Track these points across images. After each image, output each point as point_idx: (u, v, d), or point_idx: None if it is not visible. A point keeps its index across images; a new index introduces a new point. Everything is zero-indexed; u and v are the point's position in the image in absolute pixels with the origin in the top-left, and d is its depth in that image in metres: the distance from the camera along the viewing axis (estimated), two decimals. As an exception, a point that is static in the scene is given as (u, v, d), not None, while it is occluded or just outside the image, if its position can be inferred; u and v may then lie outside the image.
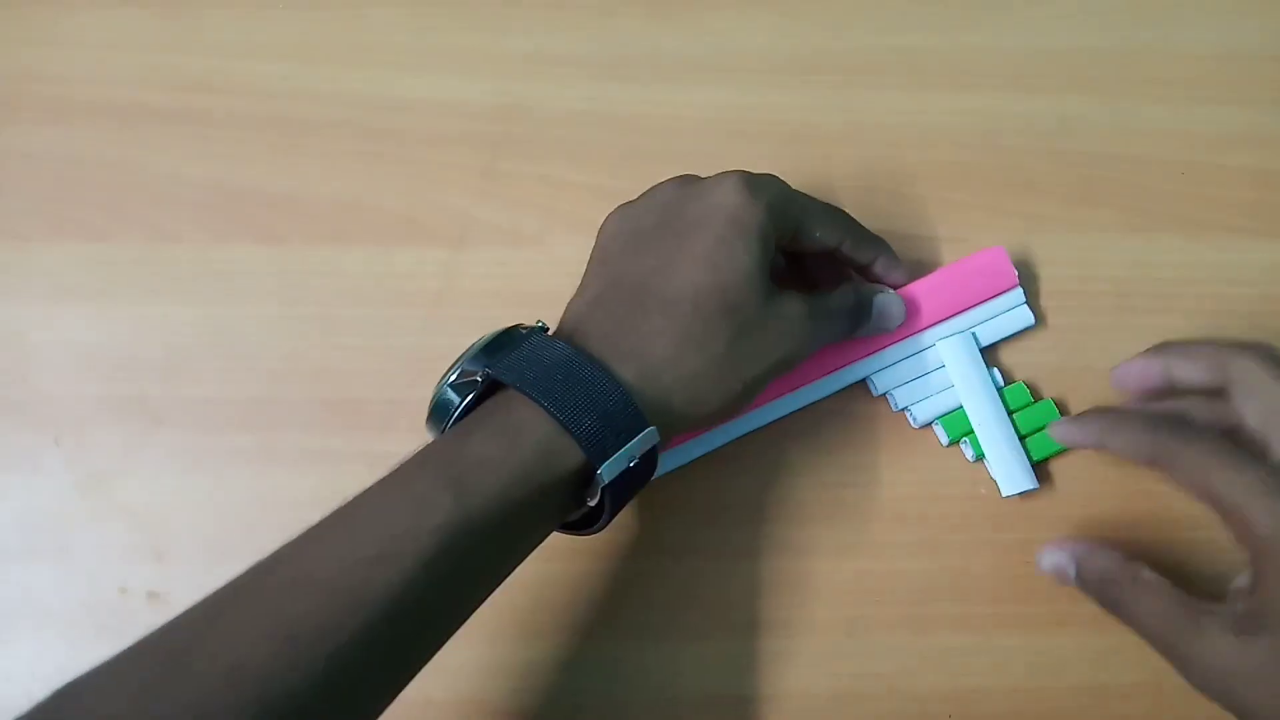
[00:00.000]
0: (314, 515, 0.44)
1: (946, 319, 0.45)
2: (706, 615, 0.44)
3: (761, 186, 0.39)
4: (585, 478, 0.36)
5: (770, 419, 0.45)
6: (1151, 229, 0.48)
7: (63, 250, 0.47)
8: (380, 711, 0.33)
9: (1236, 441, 0.39)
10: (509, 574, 0.36)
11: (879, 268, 0.44)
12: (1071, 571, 0.41)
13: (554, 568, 0.44)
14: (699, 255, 0.38)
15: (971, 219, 0.48)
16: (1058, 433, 0.43)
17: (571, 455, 0.35)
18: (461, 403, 0.37)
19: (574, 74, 0.50)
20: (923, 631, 0.44)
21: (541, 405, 0.35)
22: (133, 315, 0.46)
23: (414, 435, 0.45)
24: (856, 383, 0.46)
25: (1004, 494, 0.44)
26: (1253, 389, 0.39)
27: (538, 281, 0.47)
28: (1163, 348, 0.42)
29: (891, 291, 0.44)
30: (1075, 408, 0.46)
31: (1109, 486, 0.46)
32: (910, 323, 0.45)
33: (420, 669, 0.34)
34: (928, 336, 0.45)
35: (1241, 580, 0.38)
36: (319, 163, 0.48)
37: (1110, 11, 0.51)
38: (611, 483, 0.35)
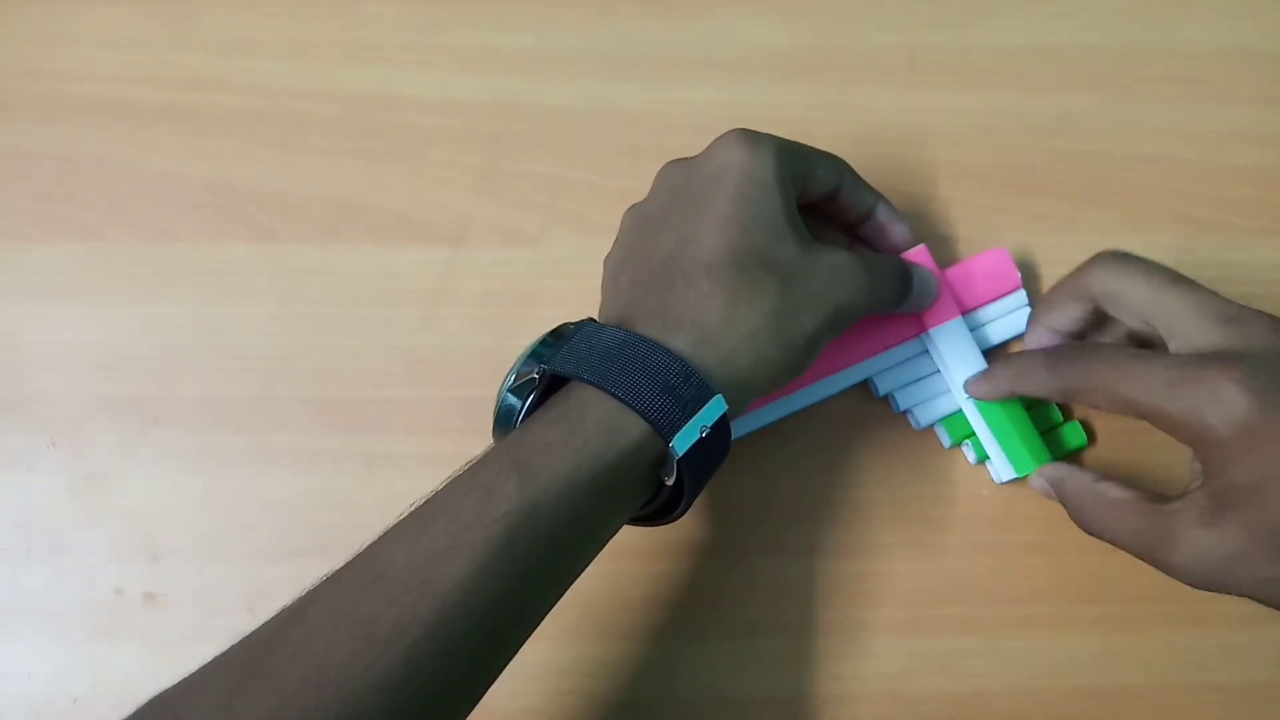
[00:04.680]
0: (311, 515, 0.44)
1: (950, 321, 0.45)
2: (706, 615, 0.44)
3: (761, 136, 0.39)
4: (656, 457, 0.35)
5: (772, 419, 0.45)
6: (1153, 227, 0.48)
7: (58, 249, 0.47)
8: (465, 713, 0.33)
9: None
10: (586, 562, 0.36)
11: (881, 215, 0.44)
12: (1054, 494, 0.42)
13: (553, 569, 0.44)
14: (722, 216, 0.37)
15: (972, 218, 0.48)
16: (973, 389, 0.43)
17: (637, 432, 0.34)
18: (524, 404, 0.36)
19: (573, 72, 0.49)
20: (924, 633, 0.44)
21: (601, 387, 0.34)
22: (128, 314, 0.46)
23: (412, 435, 0.45)
24: (859, 384, 0.45)
25: (997, 480, 0.45)
26: (1117, 294, 0.39)
27: (537, 280, 0.47)
28: (1034, 314, 0.43)
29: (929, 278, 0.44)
30: (1078, 409, 0.46)
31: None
32: (914, 325, 0.45)
33: (502, 667, 0.34)
34: (932, 339, 0.45)
35: (1195, 470, 0.37)
36: (317, 161, 0.48)
37: (1111, 9, 0.51)
38: (687, 457, 0.35)
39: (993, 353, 0.46)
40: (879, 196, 0.44)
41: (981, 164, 0.49)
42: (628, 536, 0.44)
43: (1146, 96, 0.50)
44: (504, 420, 0.37)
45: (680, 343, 0.36)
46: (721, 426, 0.36)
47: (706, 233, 0.37)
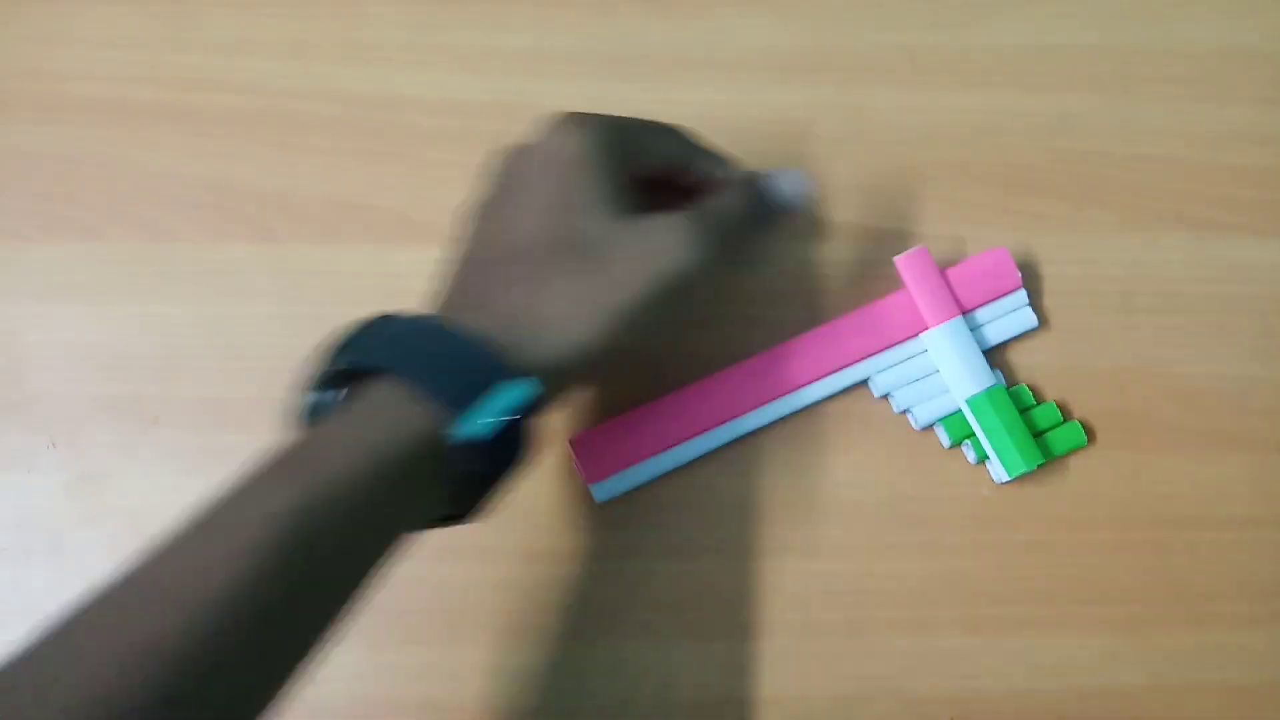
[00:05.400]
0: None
1: (950, 321, 0.45)
2: (706, 615, 0.44)
3: (586, 117, 0.39)
4: (448, 446, 0.33)
5: (771, 419, 0.45)
6: (1154, 228, 0.48)
7: (57, 249, 0.47)
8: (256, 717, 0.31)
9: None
10: (379, 560, 0.33)
11: (728, 174, 0.42)
12: None
13: (553, 569, 0.43)
14: (538, 203, 0.38)
15: (973, 218, 0.48)
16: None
17: (421, 421, 0.33)
18: (314, 402, 0.35)
19: (573, 71, 0.49)
20: (924, 633, 0.44)
21: (384, 372, 0.33)
22: (128, 314, 0.46)
23: (412, 435, 0.45)
24: (858, 384, 0.45)
25: (997, 480, 0.45)
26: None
27: (537, 281, 0.47)
28: None
29: (786, 169, 0.42)
30: (1078, 409, 0.46)
31: (1114, 486, 0.45)
32: (914, 325, 0.45)
33: (297, 671, 0.32)
34: (931, 339, 0.45)
35: None
36: (316, 161, 0.48)
37: (1111, 9, 0.51)
38: (486, 445, 0.33)
39: (993, 353, 0.46)
40: (725, 158, 0.42)
41: (981, 164, 0.49)
42: (628, 536, 0.44)
43: (1146, 96, 0.50)
44: (301, 420, 0.36)
45: (486, 327, 0.35)
46: (523, 411, 0.34)
47: (523, 220, 0.38)
